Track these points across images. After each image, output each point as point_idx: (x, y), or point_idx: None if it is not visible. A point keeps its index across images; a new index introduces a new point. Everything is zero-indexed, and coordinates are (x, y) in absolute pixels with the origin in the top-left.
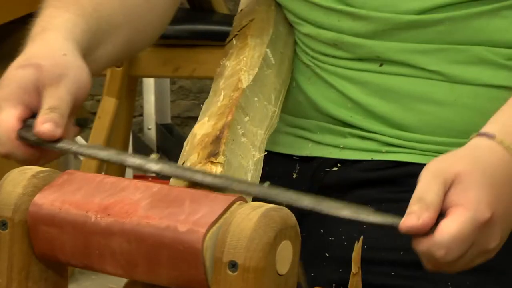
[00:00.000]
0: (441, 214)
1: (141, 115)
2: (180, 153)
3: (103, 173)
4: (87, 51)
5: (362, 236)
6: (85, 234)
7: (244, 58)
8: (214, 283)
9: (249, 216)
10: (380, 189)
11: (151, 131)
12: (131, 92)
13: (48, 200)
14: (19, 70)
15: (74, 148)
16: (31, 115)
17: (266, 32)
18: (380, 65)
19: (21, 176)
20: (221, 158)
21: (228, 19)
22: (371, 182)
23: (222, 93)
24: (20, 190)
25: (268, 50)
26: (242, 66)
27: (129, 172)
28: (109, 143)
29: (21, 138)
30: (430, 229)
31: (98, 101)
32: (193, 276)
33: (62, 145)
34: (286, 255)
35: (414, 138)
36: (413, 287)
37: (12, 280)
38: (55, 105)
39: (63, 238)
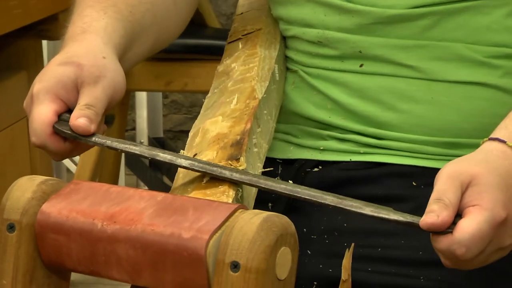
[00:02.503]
0: (458, 215)
1: (134, 129)
2: (171, 167)
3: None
4: (122, 54)
5: (353, 244)
6: (91, 241)
7: (255, 68)
8: (216, 284)
9: (251, 220)
10: (359, 187)
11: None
12: (123, 106)
13: (56, 209)
14: (60, 66)
15: (108, 142)
16: (67, 110)
17: (274, 47)
18: (361, 66)
19: (30, 183)
20: (243, 164)
21: (220, 34)
22: (351, 181)
23: (236, 96)
24: (29, 195)
25: (276, 65)
26: (253, 75)
27: (121, 183)
28: (101, 157)
29: (56, 131)
30: (448, 228)
31: None
32: (196, 281)
33: (96, 139)
34: (285, 261)
35: (391, 136)
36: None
37: (16, 282)
38: (91, 103)
39: (70, 245)
